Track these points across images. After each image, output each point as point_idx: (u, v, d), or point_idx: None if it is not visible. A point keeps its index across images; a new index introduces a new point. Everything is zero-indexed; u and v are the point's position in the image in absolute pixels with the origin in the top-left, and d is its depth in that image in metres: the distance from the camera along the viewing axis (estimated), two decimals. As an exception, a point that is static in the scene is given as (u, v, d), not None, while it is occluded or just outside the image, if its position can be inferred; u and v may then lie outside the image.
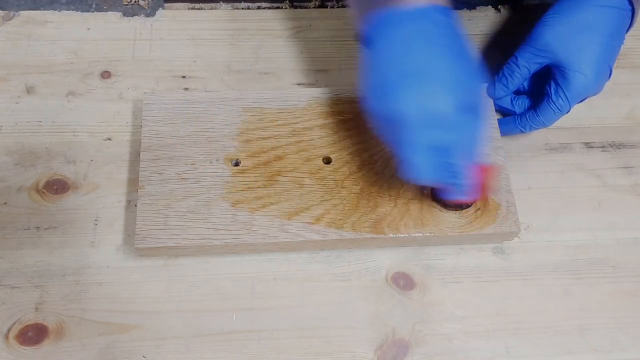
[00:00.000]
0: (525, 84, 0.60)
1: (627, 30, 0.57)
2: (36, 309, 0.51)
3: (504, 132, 0.59)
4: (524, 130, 0.59)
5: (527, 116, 0.58)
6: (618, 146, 0.62)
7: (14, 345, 0.50)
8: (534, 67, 0.57)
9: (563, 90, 0.55)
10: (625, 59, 0.66)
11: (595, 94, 0.57)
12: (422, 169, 0.46)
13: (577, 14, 0.55)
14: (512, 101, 0.59)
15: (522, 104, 0.59)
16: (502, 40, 0.66)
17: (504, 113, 0.61)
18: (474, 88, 0.48)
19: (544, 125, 0.58)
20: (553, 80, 0.56)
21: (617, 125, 0.63)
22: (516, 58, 0.57)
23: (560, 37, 0.55)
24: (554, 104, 0.56)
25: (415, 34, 0.46)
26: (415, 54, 0.46)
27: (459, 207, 0.54)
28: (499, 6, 0.69)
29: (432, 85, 0.45)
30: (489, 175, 0.51)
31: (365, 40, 0.49)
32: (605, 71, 0.56)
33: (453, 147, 0.46)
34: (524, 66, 0.57)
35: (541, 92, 0.57)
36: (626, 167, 0.61)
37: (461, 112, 0.46)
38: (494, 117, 0.59)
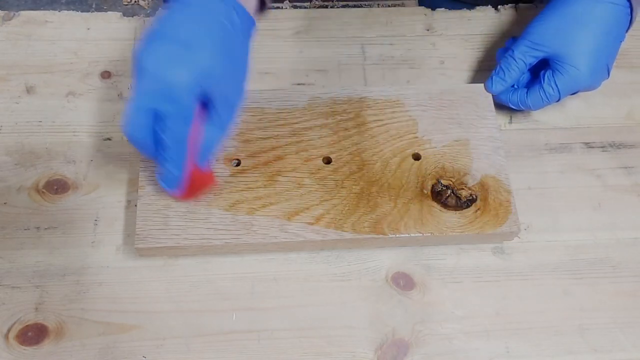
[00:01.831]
0: (524, 78, 0.60)
1: (627, 29, 0.58)
2: (36, 309, 0.51)
3: (495, 90, 0.59)
4: (509, 104, 0.60)
5: (518, 93, 0.59)
6: (618, 146, 0.62)
7: (14, 345, 0.50)
8: (530, 61, 0.57)
9: (555, 81, 0.56)
10: (624, 59, 0.66)
11: (589, 89, 0.57)
12: (132, 124, 0.45)
13: (573, 8, 0.56)
14: (509, 97, 0.59)
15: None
16: (502, 40, 0.66)
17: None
18: (226, 88, 0.48)
19: (530, 108, 0.59)
20: (548, 69, 0.57)
21: (617, 125, 0.63)
22: (513, 51, 0.58)
23: (556, 31, 0.56)
24: (544, 91, 0.56)
25: (202, 9, 0.46)
26: (188, 25, 0.46)
27: (459, 207, 0.54)
28: (499, 6, 0.69)
29: (181, 55, 0.45)
30: (200, 180, 0.50)
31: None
32: (601, 67, 0.56)
33: (168, 124, 0.45)
34: (520, 59, 0.57)
35: (536, 76, 0.58)
36: (626, 167, 0.61)
37: (195, 98, 0.45)
38: (492, 111, 0.59)
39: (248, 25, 0.49)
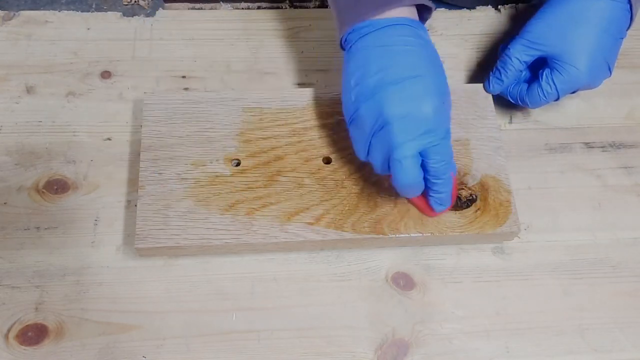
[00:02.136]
0: (524, 75, 0.60)
1: (628, 27, 0.57)
2: (36, 309, 0.51)
3: (493, 90, 0.59)
4: (509, 98, 0.60)
5: (519, 89, 0.59)
6: (618, 146, 0.62)
7: (14, 345, 0.50)
8: (527, 59, 0.57)
9: (553, 80, 0.56)
10: (625, 59, 0.66)
11: (589, 88, 0.57)
12: (411, 174, 0.47)
13: (570, 6, 0.56)
14: (509, 90, 0.59)
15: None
16: (502, 40, 0.66)
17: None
18: (447, 93, 0.49)
19: (528, 106, 0.58)
20: (547, 68, 0.56)
21: (617, 125, 0.63)
22: (509, 51, 0.58)
23: (553, 30, 0.56)
24: (542, 90, 0.56)
25: (396, 42, 0.48)
26: (397, 60, 0.47)
27: (459, 207, 0.54)
28: (499, 6, 0.69)
29: (415, 89, 0.46)
30: (456, 184, 0.52)
31: (346, 47, 0.51)
32: (600, 65, 0.56)
33: (434, 150, 0.47)
34: (516, 59, 0.57)
35: (535, 74, 0.58)
36: (626, 167, 0.61)
37: (439, 116, 0.47)
38: (492, 111, 0.59)
39: (427, 34, 0.51)
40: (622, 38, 0.57)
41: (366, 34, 0.49)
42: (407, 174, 0.47)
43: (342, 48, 0.52)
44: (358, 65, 0.49)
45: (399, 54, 0.48)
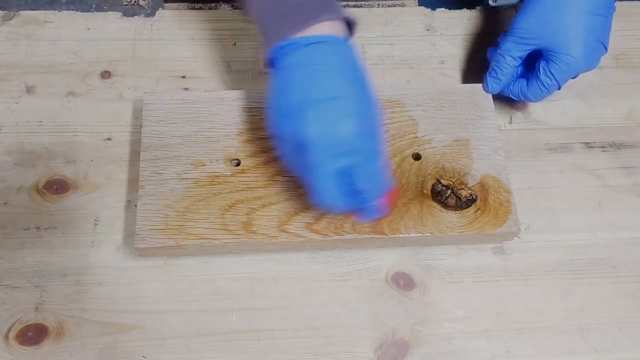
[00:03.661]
0: (520, 70, 0.60)
1: None
2: (36, 309, 0.51)
3: (492, 90, 0.59)
4: (510, 96, 0.59)
5: (519, 85, 0.58)
6: (618, 146, 0.62)
7: (14, 345, 0.50)
8: (520, 55, 0.57)
9: (551, 71, 0.56)
10: (625, 59, 0.66)
11: (589, 70, 0.57)
12: (329, 194, 0.46)
13: None
14: (510, 88, 0.59)
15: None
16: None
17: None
18: (372, 114, 0.48)
19: (531, 100, 0.58)
20: (542, 60, 0.56)
21: (617, 125, 0.63)
22: (501, 49, 0.58)
23: (540, 22, 0.56)
24: (542, 82, 0.56)
25: (318, 61, 0.47)
26: (318, 81, 0.46)
27: (459, 207, 0.54)
28: (499, 6, 0.69)
29: (334, 110, 0.45)
30: (394, 196, 0.51)
31: (271, 65, 0.49)
32: (594, 47, 0.56)
33: (358, 171, 0.46)
34: (509, 56, 0.57)
35: (533, 67, 0.58)
36: (626, 167, 0.61)
37: (362, 137, 0.46)
38: (492, 111, 0.59)
39: (353, 51, 0.49)
40: (612, 13, 0.57)
41: (288, 53, 0.47)
42: (325, 195, 0.46)
43: (268, 66, 0.50)
44: (279, 84, 0.48)
45: (320, 73, 0.47)
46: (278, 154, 0.51)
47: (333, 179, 0.46)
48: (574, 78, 0.58)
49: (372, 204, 0.48)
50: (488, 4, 0.67)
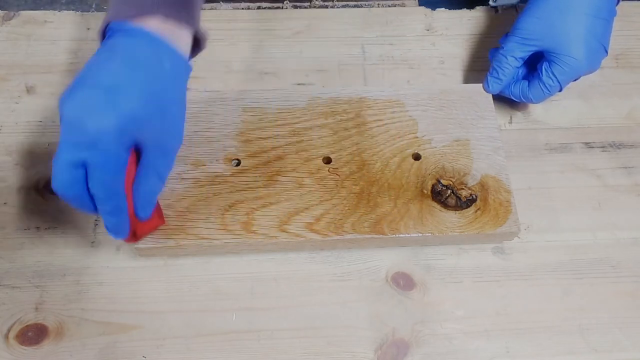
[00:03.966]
0: (521, 72, 0.60)
1: (617, 3, 0.57)
2: (36, 309, 0.51)
3: (492, 90, 0.59)
4: (512, 97, 0.59)
5: (520, 86, 0.58)
6: (618, 146, 0.62)
7: (14, 345, 0.50)
8: (522, 55, 0.57)
9: (553, 73, 0.56)
10: (625, 59, 0.66)
11: (590, 72, 0.57)
12: (59, 181, 0.42)
13: None
14: (511, 89, 0.59)
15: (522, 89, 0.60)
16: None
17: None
18: (159, 135, 0.44)
19: (532, 101, 0.58)
20: (545, 61, 0.56)
21: (617, 125, 0.63)
22: (503, 49, 0.58)
23: (544, 23, 0.56)
24: (544, 84, 0.56)
25: (124, 53, 0.43)
26: (106, 68, 0.43)
27: (459, 207, 0.54)
28: (499, 6, 0.69)
29: (104, 100, 0.41)
30: (147, 225, 0.48)
31: (99, 39, 0.47)
32: (596, 50, 0.56)
33: (91, 173, 0.42)
34: (511, 56, 0.57)
35: (534, 69, 0.58)
36: (626, 167, 0.61)
37: (112, 140, 0.41)
38: (492, 111, 0.59)
39: (178, 65, 0.46)
40: (613, 17, 0.57)
41: (110, 36, 0.45)
42: (58, 183, 0.42)
43: (100, 39, 0.47)
44: (88, 61, 0.44)
45: (115, 64, 0.43)
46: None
47: (70, 168, 0.41)
48: (574, 80, 0.58)
49: (107, 217, 0.44)
50: (488, 3, 0.67)
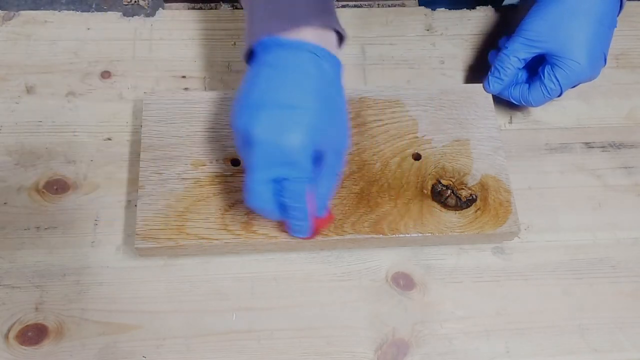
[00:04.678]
0: (522, 75, 0.60)
1: (618, 14, 0.57)
2: (36, 309, 0.51)
3: (493, 90, 0.59)
4: (511, 99, 0.59)
5: (520, 89, 0.58)
6: (618, 146, 0.62)
7: (14, 345, 0.50)
8: (525, 57, 0.57)
9: (556, 76, 0.56)
10: (625, 59, 0.66)
11: (590, 80, 0.57)
12: (258, 198, 0.46)
13: (565, 1, 0.55)
14: (511, 92, 0.59)
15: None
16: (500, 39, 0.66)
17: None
18: (332, 135, 0.47)
19: (532, 105, 0.58)
20: (547, 64, 0.56)
21: (617, 125, 0.63)
22: (507, 49, 0.58)
23: (551, 26, 0.56)
24: (545, 87, 0.56)
25: (292, 68, 0.45)
26: (283, 86, 0.45)
27: (459, 207, 0.54)
28: (499, 6, 0.69)
29: (290, 118, 0.44)
30: (321, 224, 0.51)
31: (250, 57, 0.49)
32: (598, 57, 0.56)
33: (287, 186, 0.45)
34: (515, 57, 0.57)
35: (535, 72, 0.57)
36: (626, 167, 0.61)
37: (305, 155, 0.44)
38: (492, 111, 0.59)
39: (336, 67, 0.48)
40: (614, 28, 0.57)
41: (268, 51, 0.46)
42: (256, 199, 0.46)
43: (246, 57, 0.49)
44: (250, 78, 0.47)
45: (287, 80, 0.45)
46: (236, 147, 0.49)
47: (265, 184, 0.45)
48: (573, 87, 0.58)
49: (296, 222, 0.48)
50: (488, 3, 0.67)
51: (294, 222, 0.48)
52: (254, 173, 0.45)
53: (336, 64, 0.48)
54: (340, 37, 0.49)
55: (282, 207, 0.47)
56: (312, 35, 0.46)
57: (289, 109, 0.44)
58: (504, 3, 0.68)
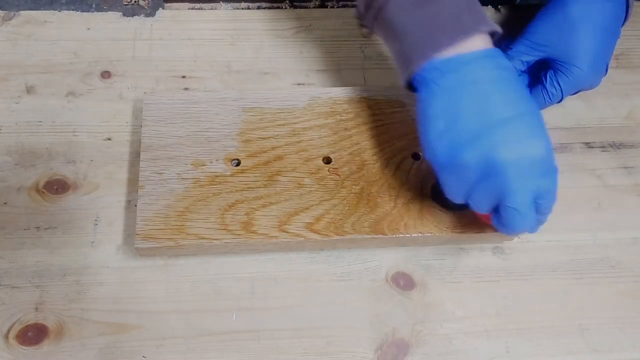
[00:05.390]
0: (525, 79, 0.60)
1: (622, 24, 0.57)
2: (36, 309, 0.51)
3: None
4: None
5: None
6: (618, 146, 0.62)
7: (14, 345, 0.50)
8: (529, 60, 0.57)
9: (558, 81, 0.56)
10: (625, 59, 0.66)
11: (591, 88, 0.57)
12: (526, 221, 0.43)
13: (572, 7, 0.55)
14: None
15: None
16: (500, 41, 0.66)
17: None
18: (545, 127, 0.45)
19: None
20: (550, 70, 0.56)
21: (617, 125, 0.63)
22: (512, 51, 0.58)
23: (556, 32, 0.56)
24: (547, 92, 0.57)
25: (485, 79, 0.43)
26: (495, 100, 0.43)
27: (459, 207, 0.54)
28: (499, 6, 0.69)
29: (521, 129, 0.42)
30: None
31: (420, 85, 0.45)
32: (601, 65, 0.56)
33: (546, 194, 0.44)
34: (518, 60, 0.57)
35: (537, 77, 0.57)
36: (626, 167, 0.61)
37: (552, 156, 0.43)
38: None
39: (504, 59, 0.46)
40: (618, 37, 0.57)
41: (448, 72, 0.43)
42: (525, 221, 0.43)
43: (409, 86, 0.47)
44: (446, 106, 0.43)
45: (493, 92, 0.43)
46: (442, 184, 0.47)
47: (531, 204, 0.43)
48: (573, 94, 0.58)
49: (538, 226, 0.47)
50: (488, 3, 0.67)
51: (537, 227, 0.46)
52: (516, 196, 0.42)
53: (506, 60, 0.45)
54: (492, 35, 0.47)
55: (541, 218, 0.45)
56: (482, 42, 0.44)
57: (516, 119, 0.42)
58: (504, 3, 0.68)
